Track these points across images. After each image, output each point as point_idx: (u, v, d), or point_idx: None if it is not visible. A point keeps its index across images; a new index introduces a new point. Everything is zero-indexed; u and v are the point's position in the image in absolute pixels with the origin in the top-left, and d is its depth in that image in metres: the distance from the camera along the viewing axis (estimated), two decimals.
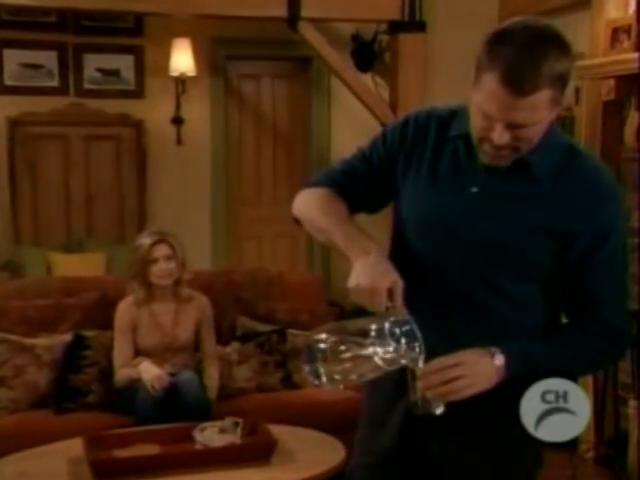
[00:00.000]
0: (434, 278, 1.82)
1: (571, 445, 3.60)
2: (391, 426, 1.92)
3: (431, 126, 1.86)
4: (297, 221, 1.96)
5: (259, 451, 3.10)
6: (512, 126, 1.64)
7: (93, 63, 5.92)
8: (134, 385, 3.62)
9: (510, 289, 1.79)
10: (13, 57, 5.76)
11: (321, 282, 4.99)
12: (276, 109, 6.58)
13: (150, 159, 6.05)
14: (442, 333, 1.76)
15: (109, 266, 5.57)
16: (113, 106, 5.91)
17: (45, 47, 5.82)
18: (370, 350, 1.62)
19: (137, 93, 6.03)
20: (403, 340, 1.62)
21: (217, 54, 6.16)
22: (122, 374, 3.71)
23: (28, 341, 3.84)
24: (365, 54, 6.01)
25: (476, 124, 1.70)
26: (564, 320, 1.87)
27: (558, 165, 1.76)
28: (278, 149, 6.63)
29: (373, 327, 1.62)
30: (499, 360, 1.71)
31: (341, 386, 1.67)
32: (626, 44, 4.06)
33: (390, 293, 1.64)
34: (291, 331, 4.15)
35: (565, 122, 4.48)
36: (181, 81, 5.96)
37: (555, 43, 1.61)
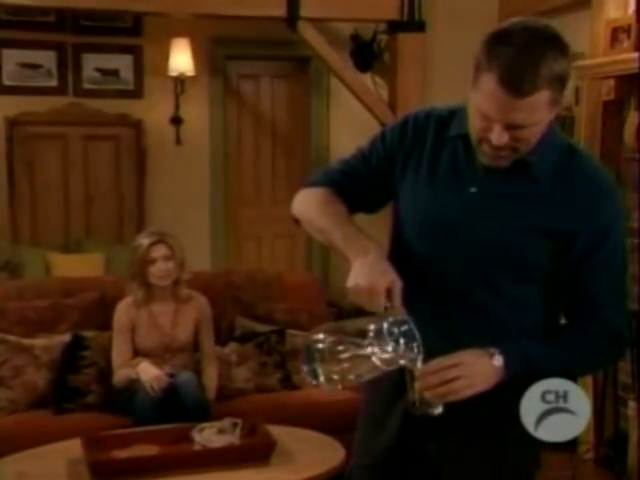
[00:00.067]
0: (433, 278, 1.82)
1: (571, 445, 3.60)
2: (390, 426, 1.92)
3: (430, 126, 1.86)
4: (296, 221, 1.96)
5: (258, 452, 3.10)
6: (511, 127, 1.64)
7: (92, 63, 5.92)
8: (133, 386, 3.61)
9: (509, 289, 1.78)
10: (12, 57, 5.76)
11: (320, 282, 4.99)
12: (275, 109, 6.58)
13: (149, 159, 6.05)
14: (441, 333, 1.76)
15: (108, 266, 5.56)
16: (112, 106, 5.91)
17: (44, 47, 5.81)
18: (368, 350, 1.61)
19: (136, 93, 6.03)
20: (402, 340, 1.61)
21: (216, 54, 6.16)
22: (121, 375, 3.71)
23: (27, 341, 3.83)
24: (364, 54, 6.01)
25: (475, 125, 1.69)
26: (563, 320, 1.87)
27: (557, 165, 1.76)
28: (277, 149, 6.62)
29: (371, 327, 1.62)
30: (498, 361, 1.71)
31: (339, 386, 1.67)
32: (626, 44, 4.06)
33: (389, 293, 1.64)
34: (290, 331, 4.14)
35: (565, 122, 4.47)
36: (180, 81, 5.96)
37: (554, 44, 1.60)
